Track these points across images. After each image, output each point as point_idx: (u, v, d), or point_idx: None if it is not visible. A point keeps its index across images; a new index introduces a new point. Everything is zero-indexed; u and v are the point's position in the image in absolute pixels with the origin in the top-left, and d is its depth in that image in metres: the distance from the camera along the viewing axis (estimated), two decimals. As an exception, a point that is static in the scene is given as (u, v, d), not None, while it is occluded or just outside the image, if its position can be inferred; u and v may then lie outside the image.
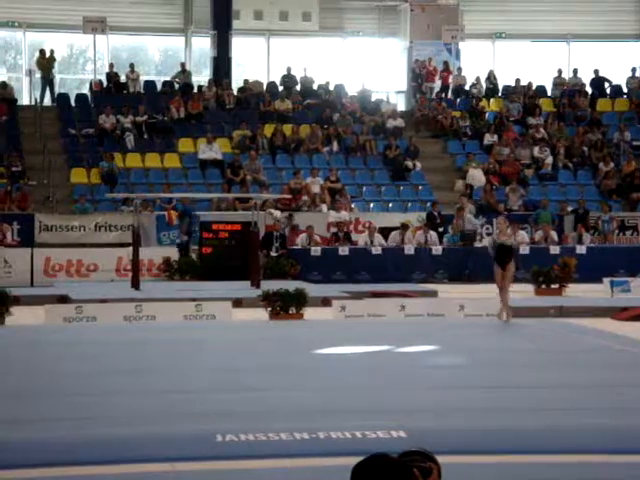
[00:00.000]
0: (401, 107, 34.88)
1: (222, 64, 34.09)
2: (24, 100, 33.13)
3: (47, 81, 32.30)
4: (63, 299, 20.43)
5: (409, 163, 30.94)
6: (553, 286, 23.08)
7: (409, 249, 26.17)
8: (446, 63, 34.97)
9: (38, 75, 32.55)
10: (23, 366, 13.62)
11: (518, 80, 34.68)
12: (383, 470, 3.81)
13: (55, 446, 9.18)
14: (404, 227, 26.83)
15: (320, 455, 8.94)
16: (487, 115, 33.58)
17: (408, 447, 4.05)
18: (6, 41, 35.33)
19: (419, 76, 34.95)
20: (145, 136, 30.97)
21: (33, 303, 19.98)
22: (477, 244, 26.47)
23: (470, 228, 27.40)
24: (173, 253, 25.18)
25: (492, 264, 18.15)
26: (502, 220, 18.92)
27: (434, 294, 22.63)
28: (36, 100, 32.11)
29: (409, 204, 29.61)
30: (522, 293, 22.32)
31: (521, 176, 30.69)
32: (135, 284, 22.10)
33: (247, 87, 33.38)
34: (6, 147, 29.60)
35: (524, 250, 25.86)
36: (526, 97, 34.05)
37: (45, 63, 32.34)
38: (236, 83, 33.79)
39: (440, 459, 4.01)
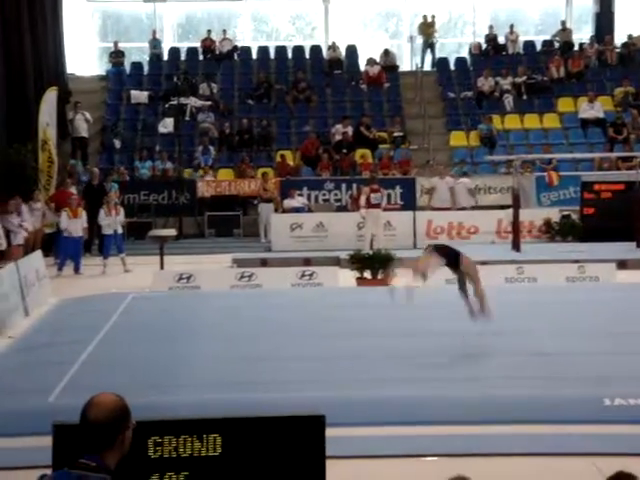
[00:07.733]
0: None
1: (604, 20, 33.10)
2: (405, 66, 33.81)
3: (428, 46, 32.81)
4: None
5: None
6: None
7: None
8: None
9: (419, 41, 33.10)
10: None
11: None
12: None
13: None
14: None
15: None
16: None
17: None
18: (387, 10, 36.16)
19: None
20: (524, 97, 30.73)
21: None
22: None
23: None
24: (554, 214, 24.86)
25: None
26: None
27: None
28: (417, 65, 32.69)
29: None
30: None
31: None
32: (516, 246, 22.07)
33: (631, 42, 32.21)
34: (388, 113, 30.42)
35: None
36: None
37: (426, 28, 32.84)
38: (619, 39, 32.67)
39: None
